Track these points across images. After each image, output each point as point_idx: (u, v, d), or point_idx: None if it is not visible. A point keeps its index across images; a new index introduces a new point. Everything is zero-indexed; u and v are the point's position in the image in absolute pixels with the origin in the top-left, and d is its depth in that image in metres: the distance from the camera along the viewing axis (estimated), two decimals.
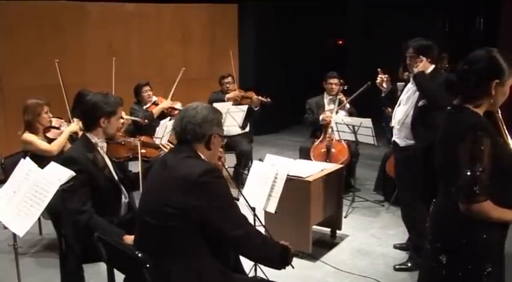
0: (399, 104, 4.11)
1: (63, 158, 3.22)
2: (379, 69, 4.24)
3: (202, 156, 2.47)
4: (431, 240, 2.47)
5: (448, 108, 2.43)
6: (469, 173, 2.16)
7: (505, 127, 2.36)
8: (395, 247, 4.62)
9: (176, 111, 6.15)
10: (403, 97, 4.09)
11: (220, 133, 2.56)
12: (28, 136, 4.48)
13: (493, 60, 2.25)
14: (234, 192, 6.08)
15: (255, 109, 6.53)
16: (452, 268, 2.33)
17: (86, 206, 3.11)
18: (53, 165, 3.06)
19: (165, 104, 6.20)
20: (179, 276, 2.35)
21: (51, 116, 4.65)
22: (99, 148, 3.33)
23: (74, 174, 2.99)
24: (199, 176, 2.30)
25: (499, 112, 2.38)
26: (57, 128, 4.72)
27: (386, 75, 4.21)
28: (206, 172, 2.33)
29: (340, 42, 11.71)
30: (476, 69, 2.26)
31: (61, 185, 2.92)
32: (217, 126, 2.51)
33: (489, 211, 2.20)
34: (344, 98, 6.19)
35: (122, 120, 3.39)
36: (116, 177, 3.42)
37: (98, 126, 3.27)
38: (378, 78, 4.28)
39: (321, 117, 6.15)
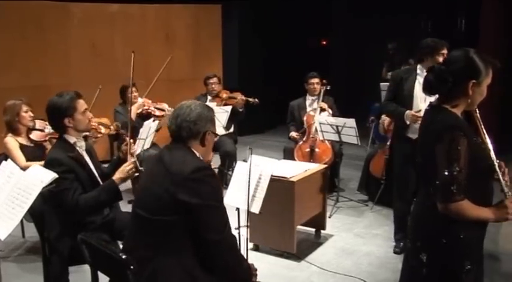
0: (421, 102, 4.11)
1: (47, 161, 3.20)
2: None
3: (197, 153, 2.52)
4: (412, 239, 2.50)
5: (426, 108, 2.46)
6: (446, 173, 2.19)
7: (482, 127, 2.39)
8: (395, 253, 4.54)
9: (163, 113, 6.13)
10: (421, 95, 4.08)
11: (214, 130, 2.60)
12: (9, 142, 4.42)
13: (470, 61, 2.28)
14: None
15: (240, 110, 6.52)
16: (432, 266, 2.36)
17: (76, 194, 3.12)
18: (35, 168, 3.03)
19: (138, 103, 6.14)
20: (169, 271, 2.37)
21: (32, 115, 4.60)
22: (77, 148, 3.32)
23: (57, 176, 2.98)
24: (192, 172, 2.34)
25: (477, 112, 2.40)
26: (41, 130, 4.67)
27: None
28: (199, 169, 2.37)
29: (324, 42, 11.77)
30: (454, 69, 2.29)
31: (44, 187, 2.90)
32: (210, 123, 2.57)
33: (467, 210, 2.23)
34: (326, 106, 6.19)
35: (90, 115, 3.37)
36: (97, 176, 3.42)
37: (67, 127, 3.26)
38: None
39: (304, 119, 6.19)
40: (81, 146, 3.36)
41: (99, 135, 4.87)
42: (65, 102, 3.22)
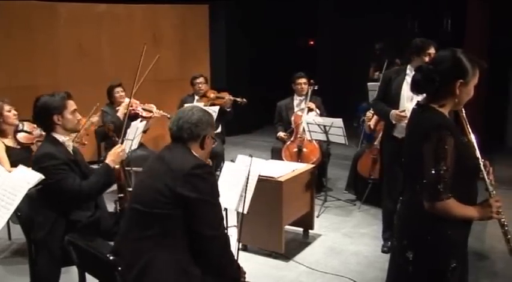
0: (407, 101, 4.13)
1: (41, 155, 3.23)
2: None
3: (196, 155, 2.58)
4: (398, 237, 2.53)
5: (414, 107, 2.48)
6: (433, 172, 2.22)
7: (468, 126, 2.42)
8: (383, 252, 4.56)
9: (151, 114, 6.10)
10: (407, 94, 4.11)
11: (213, 135, 2.68)
12: None
13: (457, 61, 2.30)
14: None
15: (227, 110, 6.52)
16: (419, 265, 2.38)
17: (77, 180, 3.23)
18: (21, 169, 3.02)
19: (125, 103, 6.10)
20: (162, 265, 2.39)
21: (15, 113, 4.57)
22: (66, 146, 3.36)
23: (43, 177, 2.98)
24: (192, 168, 2.42)
25: (463, 111, 2.43)
26: (29, 133, 4.64)
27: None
28: (199, 166, 2.46)
29: (312, 42, 11.79)
30: (441, 69, 2.31)
31: (30, 188, 2.89)
32: (211, 128, 2.65)
33: (452, 208, 2.25)
34: (313, 106, 6.21)
35: (79, 117, 3.45)
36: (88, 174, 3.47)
37: (55, 124, 3.30)
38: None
39: (291, 119, 6.20)
40: (68, 145, 3.39)
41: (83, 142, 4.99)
42: (56, 100, 3.30)
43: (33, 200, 3.29)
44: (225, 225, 3.62)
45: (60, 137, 3.33)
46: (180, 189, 2.38)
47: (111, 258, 2.32)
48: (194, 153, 2.57)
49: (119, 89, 6.17)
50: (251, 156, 3.59)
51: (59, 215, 3.25)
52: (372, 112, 5.86)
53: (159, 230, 2.41)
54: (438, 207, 2.24)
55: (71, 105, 3.36)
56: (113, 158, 3.43)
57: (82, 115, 3.69)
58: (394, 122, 4.20)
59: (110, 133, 4.94)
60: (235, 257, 2.84)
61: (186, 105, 6.13)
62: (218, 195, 2.56)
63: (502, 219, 2.37)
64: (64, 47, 7.48)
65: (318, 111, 6.20)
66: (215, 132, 6.37)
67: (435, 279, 2.37)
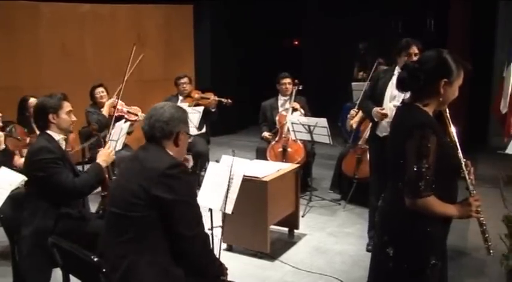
0: (390, 101, 4.17)
1: (37, 149, 3.31)
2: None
3: (171, 153, 2.56)
4: (379, 233, 2.57)
5: (399, 105, 2.52)
6: (415, 169, 2.25)
7: (452, 126, 2.45)
8: (368, 250, 4.55)
9: (136, 117, 6.09)
10: (391, 93, 4.15)
11: (187, 130, 2.65)
12: None
13: (442, 61, 2.35)
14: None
15: (212, 110, 6.52)
16: (399, 260, 2.42)
17: (70, 176, 3.32)
18: (3, 171, 2.99)
19: (110, 101, 6.09)
20: (143, 268, 2.37)
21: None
22: (60, 144, 3.45)
23: (26, 178, 2.98)
24: (167, 168, 2.39)
25: (447, 111, 2.46)
26: (19, 140, 4.65)
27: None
28: (174, 166, 2.42)
29: (296, 42, 11.82)
30: (426, 68, 2.35)
31: (12, 190, 2.87)
32: (183, 124, 2.61)
33: (433, 206, 2.29)
34: (298, 106, 6.23)
35: (74, 118, 3.55)
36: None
37: (50, 123, 3.41)
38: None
39: (276, 119, 6.22)
40: (62, 144, 3.50)
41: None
42: (53, 100, 3.44)
43: (15, 201, 3.27)
44: (212, 225, 3.63)
45: (55, 136, 3.43)
46: (155, 191, 2.35)
47: (95, 259, 2.31)
48: (169, 151, 2.55)
49: (100, 89, 6.15)
50: (233, 151, 3.60)
51: (49, 206, 3.28)
52: (356, 110, 5.90)
53: (138, 233, 2.38)
54: (419, 204, 2.27)
55: (67, 106, 3.49)
56: (104, 158, 3.56)
57: None
58: (376, 119, 4.24)
59: (93, 132, 4.95)
60: (218, 256, 2.84)
61: None
62: (195, 194, 2.55)
63: (481, 218, 2.42)
64: (47, 47, 7.42)
65: (303, 111, 6.22)
66: (200, 132, 6.47)
67: (415, 275, 2.40)
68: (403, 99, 2.53)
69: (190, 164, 6.46)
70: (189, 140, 2.71)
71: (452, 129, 2.44)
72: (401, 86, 2.47)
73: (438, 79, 2.33)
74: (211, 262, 2.61)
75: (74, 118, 3.54)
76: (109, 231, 2.51)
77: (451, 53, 2.38)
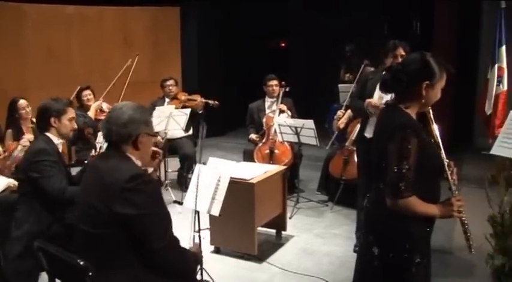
0: (379, 100, 4.17)
1: (37, 150, 3.33)
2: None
3: (133, 157, 2.43)
4: (364, 233, 2.61)
5: (382, 106, 2.55)
6: (395, 170, 2.28)
7: (435, 126, 2.48)
8: (355, 252, 4.54)
9: (104, 114, 6.06)
10: (380, 95, 4.15)
11: (149, 132, 2.49)
12: None
13: (425, 63, 2.38)
14: (177, 195, 5.99)
15: (199, 112, 6.51)
16: (384, 260, 2.45)
17: (63, 183, 3.31)
18: None
19: (97, 103, 6.08)
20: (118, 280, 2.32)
21: None
22: (58, 148, 3.47)
23: (14, 181, 2.98)
24: (126, 182, 2.25)
25: (431, 112, 2.49)
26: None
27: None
28: (133, 178, 2.28)
29: (283, 44, 11.84)
30: (409, 70, 2.38)
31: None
32: (145, 125, 2.45)
33: (414, 206, 2.32)
34: (285, 108, 6.25)
35: (75, 126, 3.58)
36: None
37: (51, 126, 3.43)
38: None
39: (263, 121, 6.23)
40: (59, 148, 3.52)
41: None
42: (58, 104, 3.45)
43: (2, 205, 3.26)
44: (198, 228, 3.61)
45: (54, 139, 3.45)
46: (117, 208, 2.23)
47: (81, 263, 2.28)
48: (130, 155, 2.41)
49: (86, 92, 6.12)
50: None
51: (43, 209, 3.29)
52: (343, 111, 5.92)
53: (109, 250, 2.29)
54: (399, 204, 2.30)
55: (71, 112, 3.51)
56: None
57: None
58: (369, 112, 4.18)
59: (88, 136, 4.94)
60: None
61: (157, 108, 6.13)
62: (158, 202, 2.39)
63: (463, 218, 2.46)
64: (32, 49, 7.38)
65: (290, 113, 6.24)
66: (187, 134, 6.44)
67: (400, 273, 2.43)
68: (386, 101, 2.55)
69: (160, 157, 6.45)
70: (158, 139, 2.64)
71: (435, 128, 2.47)
72: (384, 88, 2.50)
73: (420, 81, 2.36)
74: (186, 263, 2.51)
75: (75, 126, 3.56)
76: (79, 249, 2.40)
77: (434, 55, 2.42)
